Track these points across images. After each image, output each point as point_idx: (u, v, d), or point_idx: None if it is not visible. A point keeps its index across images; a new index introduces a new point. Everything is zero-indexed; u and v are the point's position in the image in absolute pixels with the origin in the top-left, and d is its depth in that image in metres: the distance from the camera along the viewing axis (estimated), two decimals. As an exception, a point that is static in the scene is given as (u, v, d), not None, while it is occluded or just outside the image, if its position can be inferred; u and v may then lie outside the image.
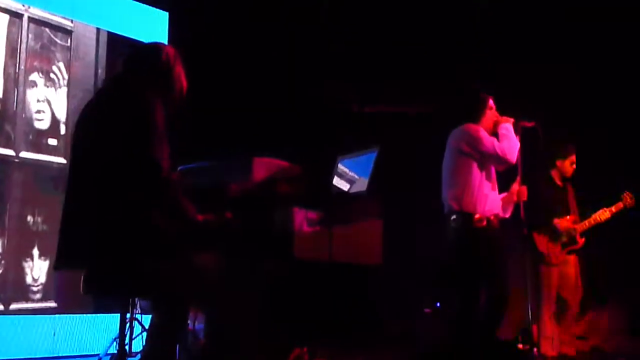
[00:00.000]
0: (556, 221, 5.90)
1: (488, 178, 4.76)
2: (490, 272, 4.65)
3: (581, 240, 5.96)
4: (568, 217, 5.96)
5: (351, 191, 3.78)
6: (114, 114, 2.97)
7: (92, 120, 3.06)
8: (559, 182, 6.10)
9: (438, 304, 6.87)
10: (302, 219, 3.26)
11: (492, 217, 4.72)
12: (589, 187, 6.28)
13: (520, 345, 5.90)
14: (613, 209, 5.95)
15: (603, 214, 5.95)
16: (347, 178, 3.90)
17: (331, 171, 4.03)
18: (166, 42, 6.61)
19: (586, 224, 5.95)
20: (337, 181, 3.95)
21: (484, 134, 4.71)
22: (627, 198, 5.93)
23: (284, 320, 3.63)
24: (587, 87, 6.81)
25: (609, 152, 6.76)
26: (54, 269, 3.05)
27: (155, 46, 3.27)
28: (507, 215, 4.90)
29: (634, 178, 6.31)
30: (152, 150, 2.86)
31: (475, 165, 4.71)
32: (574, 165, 6.06)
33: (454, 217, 4.71)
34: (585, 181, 6.25)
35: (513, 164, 4.72)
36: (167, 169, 2.90)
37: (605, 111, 6.78)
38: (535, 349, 5.54)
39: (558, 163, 6.04)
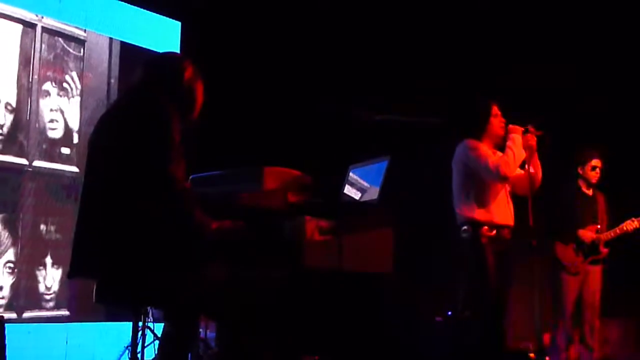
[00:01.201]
0: (580, 232, 5.86)
1: (496, 189, 4.75)
2: (494, 282, 4.65)
3: (605, 250, 5.90)
4: (593, 226, 5.91)
5: (362, 200, 3.79)
6: (131, 125, 2.98)
7: (109, 131, 3.07)
8: (586, 191, 6.05)
9: (449, 313, 6.85)
10: (313, 227, 3.26)
11: (502, 228, 4.73)
12: (624, 195, 6.22)
13: (532, 355, 5.87)
14: None
15: (630, 224, 5.86)
16: (358, 187, 3.90)
17: (342, 180, 4.04)
18: (178, 52, 6.69)
19: (611, 233, 5.87)
20: (348, 190, 3.96)
21: (479, 151, 4.70)
22: None
23: (295, 329, 3.64)
24: (621, 92, 6.76)
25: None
26: (67, 277, 3.07)
27: (176, 59, 3.27)
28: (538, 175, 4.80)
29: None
30: (168, 163, 2.88)
31: (479, 178, 4.72)
32: (597, 171, 5.99)
33: (464, 228, 4.75)
34: (619, 189, 6.19)
35: (508, 179, 4.69)
36: (182, 183, 2.92)
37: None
38: (547, 358, 5.52)
39: (579, 170, 6.00)
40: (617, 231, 5.86)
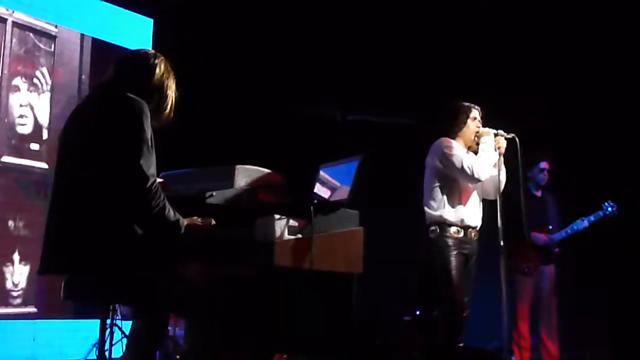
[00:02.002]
0: (533, 234, 5.94)
1: (468, 189, 4.80)
2: (458, 283, 4.70)
3: (557, 250, 6.01)
4: (545, 227, 6.01)
5: (333, 199, 3.80)
6: (103, 121, 2.98)
7: (80, 127, 3.06)
8: (536, 192, 6.14)
9: (418, 312, 6.90)
10: (283, 226, 3.28)
11: (469, 229, 4.78)
12: (572, 196, 6.34)
13: (497, 353, 5.94)
14: (591, 218, 5.97)
15: (580, 224, 5.97)
16: (329, 186, 3.92)
17: (313, 179, 4.05)
18: (151, 49, 6.65)
19: (563, 233, 5.98)
20: (318, 189, 3.97)
21: (455, 150, 4.75)
22: (607, 208, 5.93)
23: (264, 327, 3.65)
24: (572, 97, 6.88)
25: (592, 161, 6.83)
26: (37, 273, 3.06)
27: (148, 56, 3.26)
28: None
29: (616, 188, 6.38)
30: (139, 159, 2.88)
31: (451, 178, 4.76)
32: (545, 173, 6.10)
33: (432, 228, 4.80)
34: (568, 190, 6.30)
35: (482, 180, 4.75)
36: (153, 179, 2.92)
37: (589, 121, 6.85)
38: (512, 358, 5.59)
39: (529, 173, 6.09)
40: (569, 231, 5.96)
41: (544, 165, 6.09)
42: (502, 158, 4.84)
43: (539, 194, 6.16)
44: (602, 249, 6.74)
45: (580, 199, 6.30)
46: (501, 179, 4.83)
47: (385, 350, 6.53)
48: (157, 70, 3.19)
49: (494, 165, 4.79)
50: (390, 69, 7.24)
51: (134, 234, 2.89)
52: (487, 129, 4.82)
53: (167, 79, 3.23)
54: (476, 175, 4.67)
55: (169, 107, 3.23)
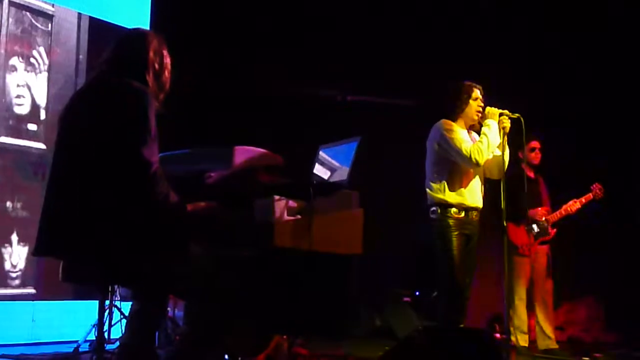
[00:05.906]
0: (531, 212, 5.97)
1: (467, 172, 4.78)
2: (459, 264, 4.69)
3: (553, 231, 6.06)
4: (540, 208, 6.05)
5: (332, 180, 3.79)
6: (109, 108, 2.96)
7: (83, 109, 3.04)
8: (529, 174, 6.15)
9: (417, 293, 6.91)
10: (283, 207, 3.26)
11: (471, 210, 4.76)
12: (560, 178, 6.39)
13: (497, 335, 5.95)
14: (583, 200, 6.07)
15: (573, 205, 6.07)
16: (328, 167, 3.90)
17: (312, 160, 4.03)
18: (148, 28, 6.61)
19: (557, 215, 6.05)
20: (318, 169, 3.96)
21: (454, 133, 4.72)
22: (596, 190, 6.03)
23: (264, 308, 3.64)
24: (559, 82, 6.90)
25: (581, 144, 6.88)
26: (32, 254, 3.05)
27: (146, 37, 3.23)
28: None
29: (603, 170, 6.48)
30: (143, 146, 2.87)
31: (451, 160, 4.74)
32: (537, 152, 6.12)
33: (433, 209, 4.78)
34: (556, 172, 6.34)
35: (480, 165, 4.71)
36: (156, 165, 2.90)
37: (576, 105, 6.87)
38: (513, 338, 5.60)
39: (520, 154, 6.07)
40: (562, 212, 6.07)
41: (534, 144, 6.11)
42: (506, 138, 4.80)
43: (532, 175, 6.18)
44: (592, 230, 6.79)
45: (569, 181, 6.37)
46: (505, 159, 4.81)
47: (383, 332, 6.55)
48: (153, 50, 3.17)
49: (498, 146, 4.76)
50: (391, 48, 7.20)
51: (135, 218, 2.87)
52: (493, 109, 4.78)
53: (164, 57, 3.21)
54: (474, 160, 4.64)
55: (166, 85, 3.21)
